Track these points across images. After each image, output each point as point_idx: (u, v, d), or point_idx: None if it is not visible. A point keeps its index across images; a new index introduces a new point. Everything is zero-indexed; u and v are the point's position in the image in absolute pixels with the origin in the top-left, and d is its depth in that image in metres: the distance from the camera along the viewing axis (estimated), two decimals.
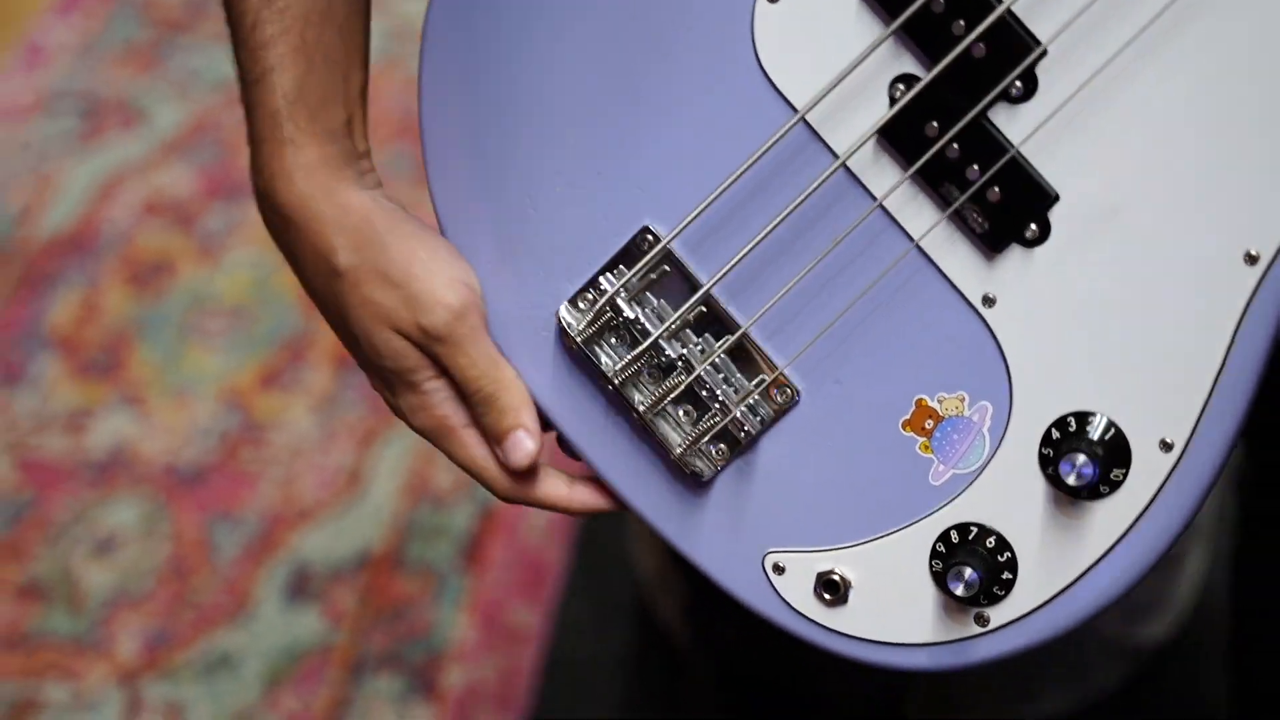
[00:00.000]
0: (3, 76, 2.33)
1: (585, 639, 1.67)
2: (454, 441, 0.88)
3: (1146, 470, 0.80)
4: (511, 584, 1.74)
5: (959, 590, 0.81)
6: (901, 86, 0.79)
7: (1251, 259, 0.77)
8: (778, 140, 0.80)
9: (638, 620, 1.61)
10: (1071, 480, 0.79)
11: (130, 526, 1.81)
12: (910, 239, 0.80)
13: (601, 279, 0.85)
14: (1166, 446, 0.79)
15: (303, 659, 1.69)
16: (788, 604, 0.86)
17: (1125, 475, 0.80)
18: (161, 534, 1.80)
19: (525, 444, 0.86)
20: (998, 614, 0.83)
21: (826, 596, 0.85)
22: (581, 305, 0.85)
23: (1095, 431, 0.80)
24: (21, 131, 2.26)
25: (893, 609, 0.85)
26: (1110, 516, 0.81)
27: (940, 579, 0.83)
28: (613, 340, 0.85)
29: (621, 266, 0.85)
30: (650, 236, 0.84)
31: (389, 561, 1.75)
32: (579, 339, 0.85)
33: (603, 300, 0.84)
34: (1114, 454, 0.80)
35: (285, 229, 0.86)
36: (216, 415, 1.91)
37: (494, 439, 0.87)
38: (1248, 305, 0.77)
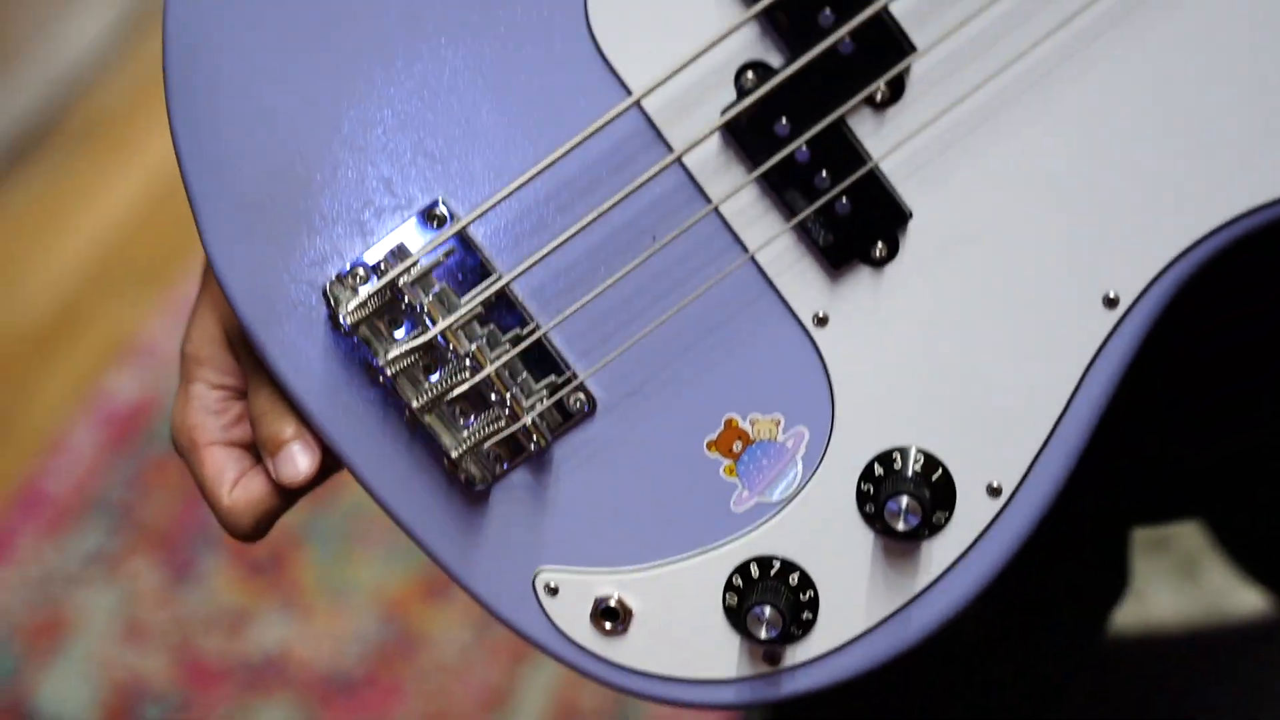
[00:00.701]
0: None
1: None
2: (195, 458, 0.80)
3: (971, 515, 0.74)
4: None
5: (760, 633, 0.74)
6: (752, 75, 0.70)
7: (1110, 302, 0.71)
8: (605, 125, 0.70)
9: None
10: (895, 524, 0.73)
11: None
12: (745, 250, 0.72)
13: (380, 255, 0.74)
14: (994, 492, 0.74)
15: None
16: (560, 631, 0.78)
17: (948, 519, 0.74)
18: None
19: (298, 460, 0.77)
20: (792, 654, 0.77)
21: (605, 625, 0.77)
22: (352, 283, 0.74)
23: (921, 472, 0.73)
24: None
25: (678, 643, 0.77)
26: (926, 560, 0.75)
27: (736, 615, 0.76)
28: (388, 326, 0.74)
29: (404, 244, 0.74)
30: (442, 213, 0.73)
31: None
32: (348, 322, 0.74)
33: (381, 281, 0.73)
34: (939, 497, 0.73)
35: None
36: (373, 624, 1.90)
37: (270, 448, 0.78)
38: (1099, 350, 0.72)
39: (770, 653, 0.77)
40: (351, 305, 0.74)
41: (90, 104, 2.70)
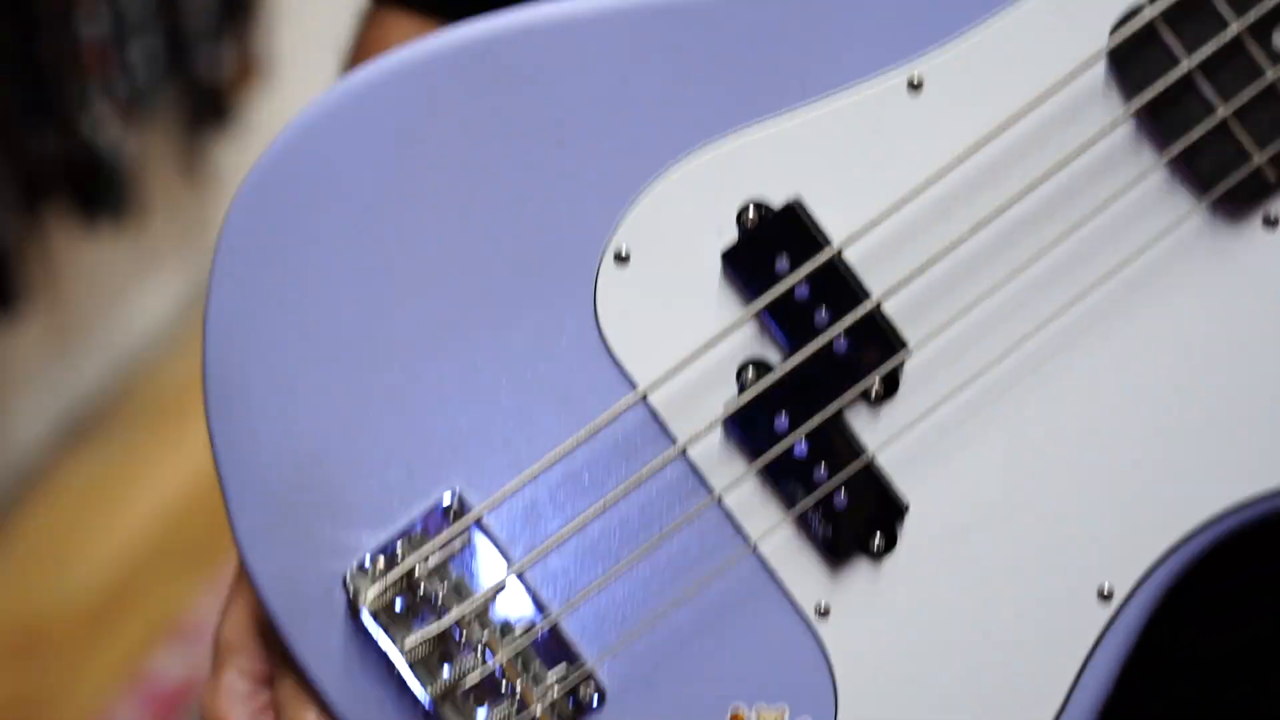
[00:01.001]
0: None
1: None
2: None
3: None
4: None
5: None
6: (752, 372, 0.73)
7: (1104, 596, 0.72)
8: (611, 419, 0.73)
9: None
10: None
11: None
12: (747, 540, 0.74)
13: (398, 544, 0.76)
14: None
15: None
16: None
17: None
18: None
19: None
20: None
21: None
22: (371, 572, 0.76)
23: None
24: None
25: None
26: None
27: None
28: (405, 615, 0.76)
29: (421, 532, 0.76)
30: (459, 504, 0.75)
31: None
32: (364, 610, 0.76)
33: (397, 571, 0.75)
34: None
35: None
36: None
37: None
38: (1096, 643, 0.73)
39: None
40: (370, 594, 0.76)
41: (149, 384, 2.77)
